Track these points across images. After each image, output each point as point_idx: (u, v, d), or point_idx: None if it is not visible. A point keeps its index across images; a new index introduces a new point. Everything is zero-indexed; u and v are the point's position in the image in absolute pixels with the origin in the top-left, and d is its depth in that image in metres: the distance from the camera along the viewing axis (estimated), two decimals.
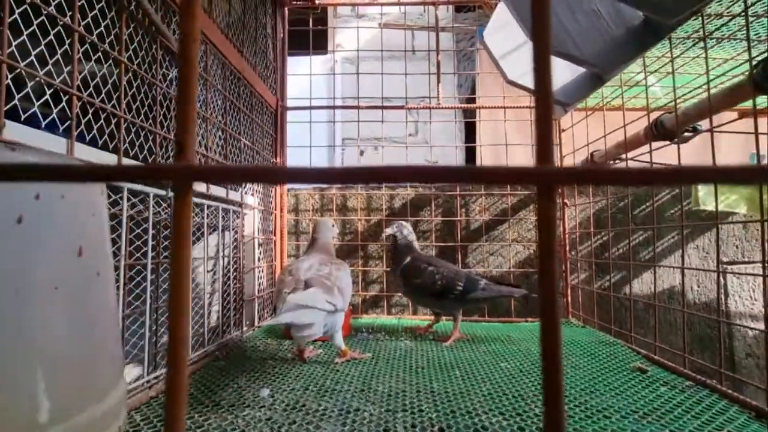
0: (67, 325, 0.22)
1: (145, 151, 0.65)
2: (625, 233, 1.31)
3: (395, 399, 0.63)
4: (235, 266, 1.04)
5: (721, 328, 0.85)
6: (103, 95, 0.55)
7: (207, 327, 0.88)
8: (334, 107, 1.42)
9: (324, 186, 1.45)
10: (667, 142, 0.91)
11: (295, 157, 1.37)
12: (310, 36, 1.39)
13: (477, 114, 1.63)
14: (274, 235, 1.29)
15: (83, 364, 0.23)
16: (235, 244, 1.04)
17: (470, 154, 2.14)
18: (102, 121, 0.55)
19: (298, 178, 0.12)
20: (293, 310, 0.75)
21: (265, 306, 1.20)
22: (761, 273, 0.64)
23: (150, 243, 0.67)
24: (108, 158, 0.57)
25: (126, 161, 0.60)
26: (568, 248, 1.33)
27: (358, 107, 1.35)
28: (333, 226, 0.99)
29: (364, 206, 1.41)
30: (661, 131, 0.90)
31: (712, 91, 0.75)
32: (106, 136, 0.56)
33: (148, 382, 0.66)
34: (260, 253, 1.17)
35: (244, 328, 1.05)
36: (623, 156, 1.16)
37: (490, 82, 1.69)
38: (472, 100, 1.84)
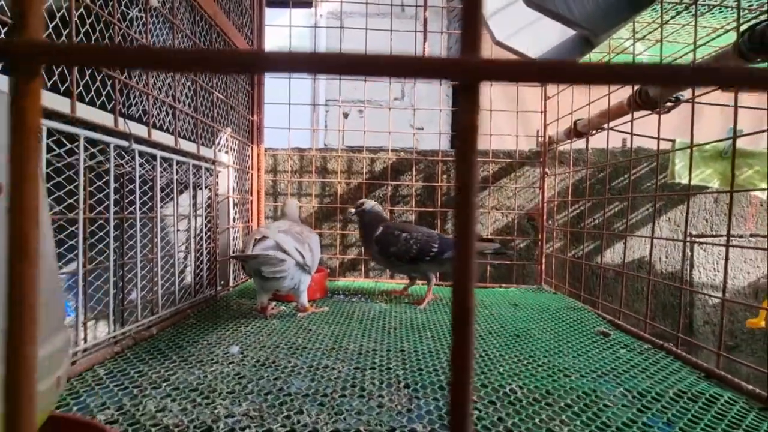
0: None
1: (103, 97, 0.60)
2: (602, 205, 1.33)
3: (365, 357, 0.64)
4: (209, 225, 1.01)
5: (683, 297, 0.89)
6: (50, 30, 0.50)
7: (178, 286, 0.87)
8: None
9: (304, 147, 1.41)
10: (649, 112, 0.90)
11: (273, 116, 1.32)
12: None
13: None
14: (251, 195, 1.26)
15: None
16: (208, 203, 1.01)
17: (457, 119, 2.10)
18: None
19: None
20: (265, 248, 0.79)
21: (240, 266, 1.19)
22: (725, 244, 0.66)
23: (112, 196, 0.64)
24: (61, 101, 0.53)
25: (81, 106, 0.56)
26: (545, 217, 1.35)
27: None
28: (299, 207, 1.08)
29: (345, 169, 1.38)
30: (644, 100, 0.89)
31: (698, 60, 0.74)
32: (56, 76, 0.51)
33: (114, 338, 0.65)
34: (236, 213, 1.15)
35: (218, 288, 1.04)
36: (605, 126, 1.15)
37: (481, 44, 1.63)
38: None
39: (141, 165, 0.72)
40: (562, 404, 0.50)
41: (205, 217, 1.00)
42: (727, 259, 0.66)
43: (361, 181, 1.37)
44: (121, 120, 0.64)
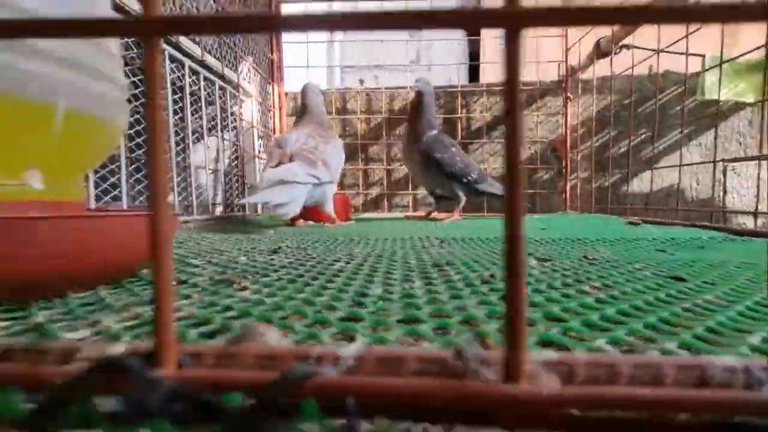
0: None
1: None
2: (627, 133, 1.29)
3: (374, 245, 0.66)
4: (236, 153, 1.05)
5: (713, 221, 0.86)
6: None
7: (211, 201, 0.91)
8: None
9: (322, 88, 1.42)
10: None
11: (290, 56, 1.34)
12: None
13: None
14: (274, 134, 1.29)
15: None
16: (234, 131, 1.04)
17: (473, 72, 2.07)
18: None
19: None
20: (269, 188, 0.76)
21: None
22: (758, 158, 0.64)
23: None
24: None
25: None
26: (569, 146, 1.33)
27: None
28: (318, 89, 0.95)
29: (364, 108, 1.39)
30: None
31: None
32: None
33: None
34: (260, 145, 1.18)
35: (247, 212, 1.08)
36: (629, 43, 1.12)
37: None
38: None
39: (171, 71, 0.75)
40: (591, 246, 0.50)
41: (233, 143, 1.03)
42: (759, 179, 0.64)
43: (380, 118, 1.38)
44: None
